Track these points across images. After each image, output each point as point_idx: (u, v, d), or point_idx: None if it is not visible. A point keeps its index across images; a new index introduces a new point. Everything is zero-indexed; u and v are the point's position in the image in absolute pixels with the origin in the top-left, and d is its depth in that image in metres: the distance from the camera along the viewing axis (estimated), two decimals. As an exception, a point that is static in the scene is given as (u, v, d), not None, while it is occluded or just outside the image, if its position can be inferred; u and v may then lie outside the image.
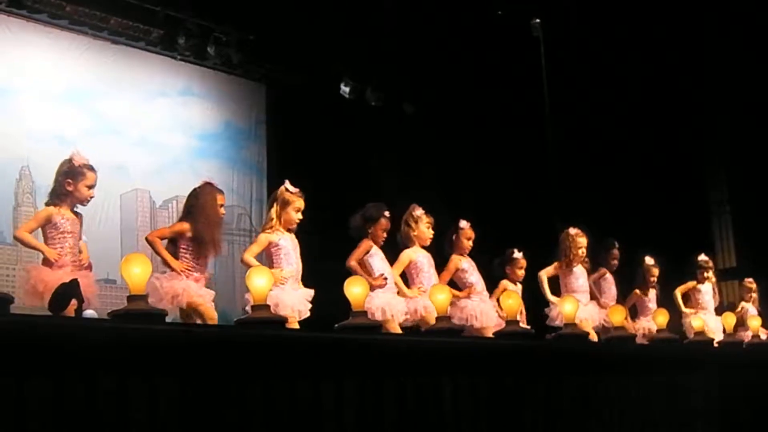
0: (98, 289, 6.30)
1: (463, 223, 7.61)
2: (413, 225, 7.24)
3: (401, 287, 7.07)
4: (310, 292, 6.29)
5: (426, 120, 11.58)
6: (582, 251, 8.21)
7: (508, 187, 11.38)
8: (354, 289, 5.03)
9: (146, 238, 6.13)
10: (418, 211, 7.27)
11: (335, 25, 10.35)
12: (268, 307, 4.54)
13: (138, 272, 4.12)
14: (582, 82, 11.54)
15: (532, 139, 10.75)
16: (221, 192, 6.25)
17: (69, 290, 4.25)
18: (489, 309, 7.48)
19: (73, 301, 4.32)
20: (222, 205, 6.20)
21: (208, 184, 6.19)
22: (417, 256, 7.22)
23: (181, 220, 6.15)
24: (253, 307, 4.54)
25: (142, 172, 9.78)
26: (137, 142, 9.93)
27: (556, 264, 8.22)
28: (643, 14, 11.37)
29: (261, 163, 10.99)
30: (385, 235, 6.93)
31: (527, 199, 11.08)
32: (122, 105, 9.85)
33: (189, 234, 6.00)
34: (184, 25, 9.94)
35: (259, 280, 4.60)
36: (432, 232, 7.32)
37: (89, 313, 5.34)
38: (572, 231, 8.21)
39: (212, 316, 5.99)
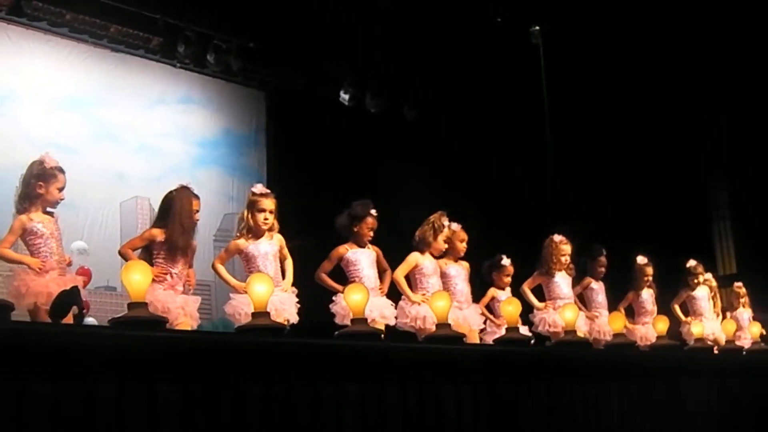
0: (90, 296, 6.25)
1: (455, 226, 7.50)
2: (433, 233, 7.22)
3: (405, 290, 7.05)
4: (293, 297, 6.24)
5: (425, 126, 11.59)
6: (566, 259, 8.06)
7: (507, 192, 11.38)
8: (354, 296, 5.04)
9: (119, 252, 5.99)
10: (446, 222, 7.25)
11: (334, 32, 10.38)
12: (267, 314, 4.53)
13: (138, 279, 4.13)
14: (581, 87, 11.55)
15: (532, 144, 10.78)
16: (197, 197, 6.06)
17: (69, 297, 4.26)
18: (469, 313, 7.40)
19: (74, 308, 4.32)
20: (197, 211, 6.02)
21: (184, 188, 6.02)
22: (424, 261, 7.19)
23: (153, 225, 6.01)
24: (253, 314, 4.53)
25: (142, 179, 9.77)
26: (137, 149, 9.94)
27: (535, 274, 8.09)
28: (643, 19, 11.39)
29: (261, 170, 10.99)
30: (371, 233, 6.85)
31: (527, 204, 11.09)
32: (122, 112, 9.86)
33: (161, 239, 5.86)
34: (184, 33, 9.94)
35: (259, 287, 4.60)
36: (446, 245, 7.29)
37: (89, 321, 5.34)
38: (556, 238, 8.07)
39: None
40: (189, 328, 5.73)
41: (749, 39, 11.55)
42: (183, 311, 5.79)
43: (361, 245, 6.84)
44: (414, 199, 9.84)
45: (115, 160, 9.69)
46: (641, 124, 12.08)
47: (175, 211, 5.90)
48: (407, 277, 7.14)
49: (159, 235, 5.88)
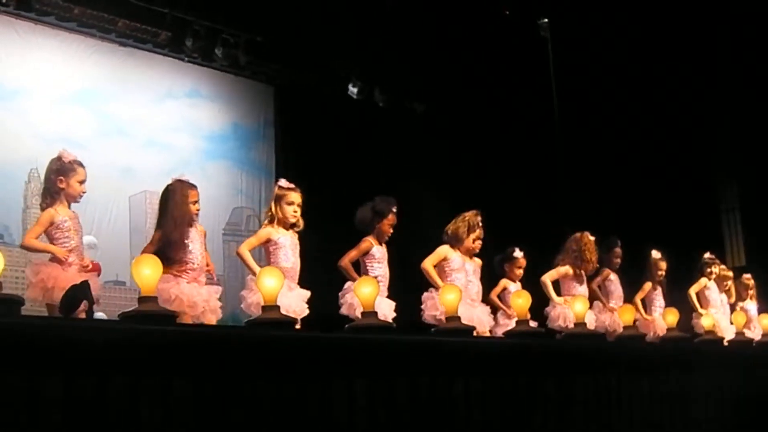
0: (103, 290, 6.27)
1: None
2: (467, 231, 7.25)
3: (435, 280, 7.03)
4: (306, 294, 6.25)
5: (434, 120, 11.57)
6: (596, 259, 8.17)
7: (517, 187, 11.36)
8: (364, 289, 5.03)
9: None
10: (479, 222, 7.29)
11: (343, 26, 10.36)
12: (278, 308, 4.52)
13: (148, 273, 4.13)
14: (591, 82, 11.51)
15: (542, 139, 10.75)
16: (193, 187, 6.03)
17: (80, 292, 4.26)
18: (481, 314, 7.41)
19: (84, 303, 4.32)
20: (196, 201, 6.01)
21: (177, 182, 6.01)
22: (453, 255, 7.20)
23: (157, 225, 6.00)
24: (263, 307, 4.52)
25: (150, 173, 9.75)
26: (145, 143, 9.95)
27: (567, 269, 8.10)
28: (653, 15, 11.35)
29: (269, 164, 10.99)
30: (391, 230, 6.89)
31: (536, 199, 11.07)
32: (130, 107, 9.86)
33: (162, 239, 5.86)
34: (192, 27, 9.94)
35: (269, 281, 4.59)
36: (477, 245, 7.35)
37: (98, 316, 5.33)
38: (592, 237, 8.14)
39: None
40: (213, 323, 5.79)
41: (758, 36, 11.50)
42: (208, 305, 5.86)
43: (381, 241, 6.88)
44: (422, 194, 9.86)
45: (123, 154, 9.70)
46: (652, 120, 12.04)
47: (169, 207, 5.93)
48: None
49: (160, 235, 5.91)
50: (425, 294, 7.09)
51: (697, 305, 9.20)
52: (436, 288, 6.97)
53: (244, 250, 6.32)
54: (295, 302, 6.05)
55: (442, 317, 6.77)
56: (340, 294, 6.65)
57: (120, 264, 8.81)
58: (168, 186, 6.02)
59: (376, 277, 6.42)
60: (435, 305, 6.94)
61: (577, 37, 11.04)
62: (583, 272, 8.11)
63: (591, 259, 8.06)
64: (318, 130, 10.61)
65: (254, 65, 10.69)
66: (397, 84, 11.44)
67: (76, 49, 9.47)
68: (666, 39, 11.58)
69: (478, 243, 7.42)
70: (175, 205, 5.91)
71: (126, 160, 9.72)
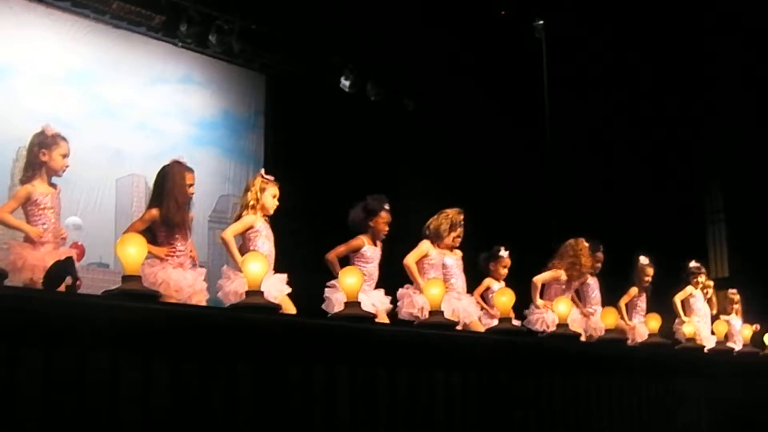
0: (85, 272, 6.24)
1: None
2: (448, 228, 7.29)
3: (416, 277, 7.04)
4: (283, 276, 6.24)
5: (425, 117, 11.58)
6: (589, 265, 8.19)
7: (505, 185, 11.38)
8: (348, 280, 5.02)
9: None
10: (461, 220, 7.33)
11: (337, 17, 10.35)
12: (261, 293, 4.51)
13: (133, 253, 4.11)
14: (582, 85, 11.55)
15: (532, 139, 10.76)
16: (191, 170, 6.02)
17: (63, 267, 4.24)
18: (467, 305, 7.43)
19: (68, 278, 4.29)
20: (191, 185, 5.99)
21: (176, 163, 5.98)
22: (433, 251, 7.23)
23: (150, 204, 5.98)
24: (247, 292, 4.51)
25: (139, 157, 9.73)
26: (135, 127, 9.90)
27: (561, 274, 8.11)
28: (645, 20, 11.39)
29: (258, 152, 10.97)
30: (387, 228, 6.89)
31: (525, 200, 11.08)
32: (121, 90, 9.81)
33: (159, 218, 5.85)
34: (187, 13, 9.92)
35: (254, 266, 4.58)
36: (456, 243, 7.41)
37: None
38: (586, 244, 8.17)
39: None
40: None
41: (748, 45, 11.56)
42: (193, 289, 5.84)
43: (376, 240, 6.89)
44: (411, 189, 9.86)
45: (112, 137, 9.65)
46: (641, 124, 12.09)
47: (169, 187, 5.87)
48: None
49: (158, 214, 5.86)
50: (401, 291, 7.08)
51: (681, 313, 9.23)
52: (416, 286, 6.98)
53: (230, 236, 6.30)
54: (274, 286, 6.04)
55: (419, 314, 6.81)
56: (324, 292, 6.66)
57: (104, 246, 8.77)
58: (165, 166, 5.98)
59: (368, 276, 6.45)
60: (411, 303, 6.95)
61: (570, 42, 11.06)
62: (574, 278, 8.12)
63: (585, 265, 8.09)
64: (308, 122, 10.60)
65: (248, 53, 10.67)
66: (389, 79, 11.43)
67: (69, 29, 9.41)
68: (658, 46, 11.63)
69: (458, 240, 7.44)
70: (175, 186, 5.87)
71: (115, 143, 9.68)
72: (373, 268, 6.82)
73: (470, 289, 7.68)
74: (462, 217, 7.35)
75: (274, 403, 4.00)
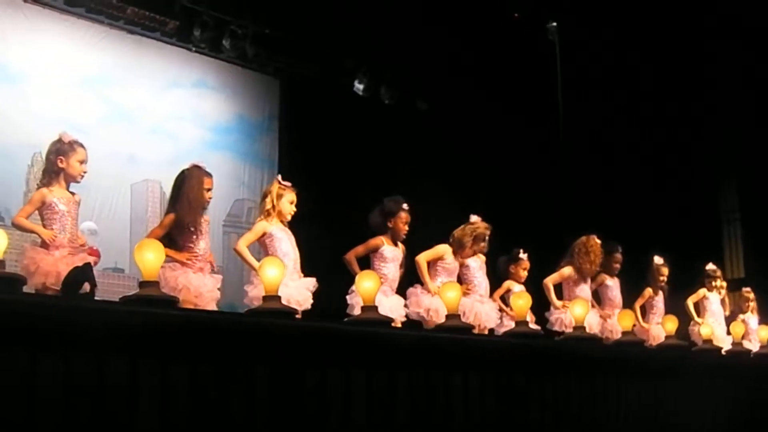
0: (102, 277, 6.26)
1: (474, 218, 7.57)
2: (472, 241, 7.32)
3: (425, 276, 7.06)
4: (311, 281, 6.27)
5: (439, 119, 11.57)
6: (599, 262, 8.18)
7: (519, 188, 11.36)
8: (365, 284, 5.02)
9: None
10: (487, 235, 7.37)
11: (350, 20, 10.35)
12: (279, 298, 4.52)
13: (151, 258, 4.12)
14: (595, 87, 11.51)
15: (545, 141, 10.75)
16: (209, 175, 6.06)
17: (82, 274, 4.25)
18: (489, 310, 7.44)
19: (86, 285, 4.31)
20: (209, 189, 6.03)
21: (195, 167, 6.03)
22: (451, 257, 7.27)
23: (168, 210, 6.02)
24: (264, 297, 4.52)
25: (153, 162, 9.77)
26: (150, 132, 9.94)
27: (570, 272, 8.11)
28: (658, 22, 11.35)
29: (272, 157, 10.98)
30: (406, 228, 6.92)
31: (540, 202, 11.06)
32: (136, 95, 9.85)
33: (174, 222, 5.88)
34: (201, 18, 9.94)
35: (270, 271, 4.59)
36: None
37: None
38: (598, 241, 8.16)
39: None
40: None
41: (762, 45, 11.50)
42: (212, 295, 5.89)
43: (396, 241, 6.89)
44: (425, 192, 9.84)
45: (127, 142, 9.69)
46: (655, 126, 12.04)
47: (185, 190, 5.92)
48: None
49: (174, 218, 5.90)
50: (410, 289, 7.10)
51: (694, 314, 9.20)
52: (423, 284, 7.00)
53: (243, 246, 6.34)
54: (296, 292, 6.06)
55: (425, 315, 6.82)
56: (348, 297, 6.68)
57: (119, 251, 8.82)
58: (184, 170, 6.03)
59: (385, 277, 6.46)
60: (417, 302, 6.97)
61: (583, 44, 11.04)
62: (585, 274, 8.11)
63: (594, 261, 8.08)
64: (322, 126, 10.60)
65: (261, 58, 10.68)
66: (403, 82, 11.43)
67: (83, 34, 9.46)
68: (671, 47, 11.59)
69: (479, 253, 7.47)
70: (190, 189, 5.91)
71: (129, 148, 9.71)
72: (393, 269, 6.86)
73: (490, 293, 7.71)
74: (489, 232, 7.37)
75: (290, 407, 4.01)
